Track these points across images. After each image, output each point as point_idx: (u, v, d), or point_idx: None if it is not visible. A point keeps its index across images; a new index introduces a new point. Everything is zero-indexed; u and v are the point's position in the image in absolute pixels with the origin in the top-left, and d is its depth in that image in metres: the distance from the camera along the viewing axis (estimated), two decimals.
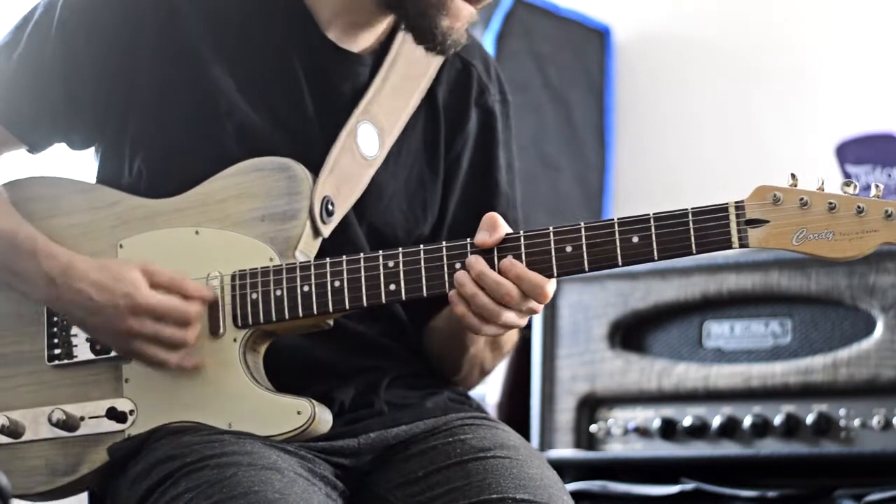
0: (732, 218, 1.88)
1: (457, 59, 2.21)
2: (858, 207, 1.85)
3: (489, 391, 3.17)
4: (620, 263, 1.92)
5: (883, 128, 3.20)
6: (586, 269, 1.93)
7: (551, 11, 3.75)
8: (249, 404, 2.01)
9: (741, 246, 1.89)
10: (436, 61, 2.18)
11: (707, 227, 1.89)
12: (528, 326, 3.00)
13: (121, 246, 2.08)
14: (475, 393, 2.30)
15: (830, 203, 1.86)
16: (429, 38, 2.06)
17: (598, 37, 3.86)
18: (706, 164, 3.79)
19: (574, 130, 3.77)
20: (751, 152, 3.73)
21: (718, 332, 2.85)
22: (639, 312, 2.91)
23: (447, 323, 2.17)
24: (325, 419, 2.02)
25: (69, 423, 2.05)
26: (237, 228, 2.05)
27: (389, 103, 2.14)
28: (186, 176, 2.08)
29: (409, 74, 2.16)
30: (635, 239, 1.91)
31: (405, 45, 2.16)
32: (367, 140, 2.12)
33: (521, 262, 1.94)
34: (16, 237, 2.06)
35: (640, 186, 3.86)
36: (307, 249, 2.05)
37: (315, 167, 2.07)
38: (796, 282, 2.77)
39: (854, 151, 2.93)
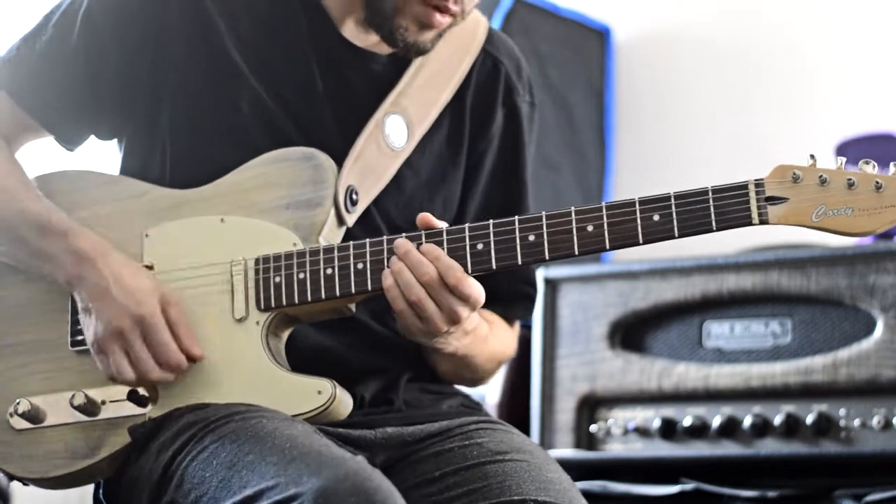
0: (752, 195, 1.89)
1: (487, 58, 2.24)
2: (877, 184, 1.87)
3: (489, 391, 3.17)
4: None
5: (883, 128, 3.20)
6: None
7: (551, 11, 3.75)
8: (271, 385, 2.02)
9: (761, 222, 1.88)
10: (467, 60, 2.22)
11: (727, 205, 1.89)
12: (528, 326, 3.00)
13: (146, 235, 2.10)
14: (474, 392, 2.30)
15: (849, 180, 1.87)
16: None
17: (598, 37, 3.86)
18: (706, 164, 3.78)
19: (574, 130, 3.77)
20: (751, 152, 3.73)
21: (718, 332, 2.85)
22: (639, 312, 2.91)
23: None
24: (345, 401, 2.02)
25: (90, 407, 2.06)
26: (262, 216, 2.07)
27: (421, 95, 2.17)
28: (212, 168, 2.10)
29: (440, 71, 2.19)
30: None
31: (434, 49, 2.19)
32: (396, 131, 2.15)
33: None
34: (48, 219, 2.08)
35: (640, 186, 3.84)
36: (331, 237, 2.07)
37: (338, 159, 2.09)
38: (796, 282, 2.77)
39: (854, 151, 2.93)
